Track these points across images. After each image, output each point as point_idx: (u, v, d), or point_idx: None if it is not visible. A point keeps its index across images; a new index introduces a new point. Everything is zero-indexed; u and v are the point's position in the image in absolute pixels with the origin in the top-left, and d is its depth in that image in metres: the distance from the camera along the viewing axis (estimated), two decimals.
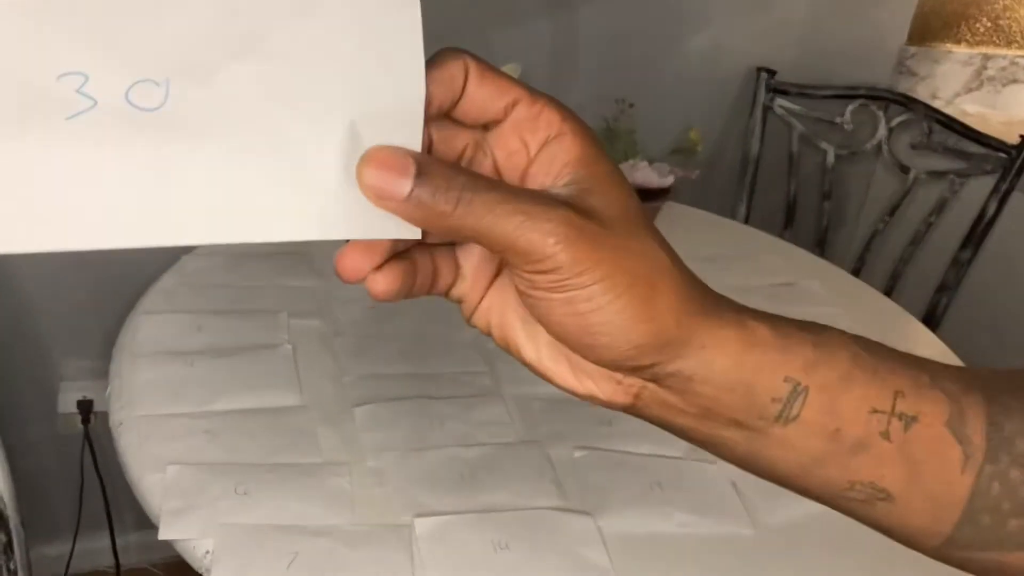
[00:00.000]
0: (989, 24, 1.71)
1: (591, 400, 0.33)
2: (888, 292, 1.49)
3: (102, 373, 0.94)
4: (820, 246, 1.67)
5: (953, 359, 1.06)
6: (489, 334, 0.34)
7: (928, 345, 1.11)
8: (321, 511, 0.74)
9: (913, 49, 1.72)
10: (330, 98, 0.28)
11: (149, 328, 0.97)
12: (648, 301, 0.29)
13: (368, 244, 0.30)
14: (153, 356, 0.92)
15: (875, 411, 0.31)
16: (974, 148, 1.50)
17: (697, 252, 1.49)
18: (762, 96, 1.62)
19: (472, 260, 0.33)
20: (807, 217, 1.70)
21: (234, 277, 1.08)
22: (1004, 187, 1.46)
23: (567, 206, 0.29)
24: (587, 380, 0.32)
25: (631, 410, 0.33)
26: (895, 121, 1.59)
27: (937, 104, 1.63)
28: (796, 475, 0.32)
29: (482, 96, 0.30)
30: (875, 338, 0.32)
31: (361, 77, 0.28)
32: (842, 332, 0.32)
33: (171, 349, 0.93)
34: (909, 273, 1.59)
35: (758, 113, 1.63)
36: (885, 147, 1.61)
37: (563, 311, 0.29)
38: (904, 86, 1.73)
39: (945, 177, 1.53)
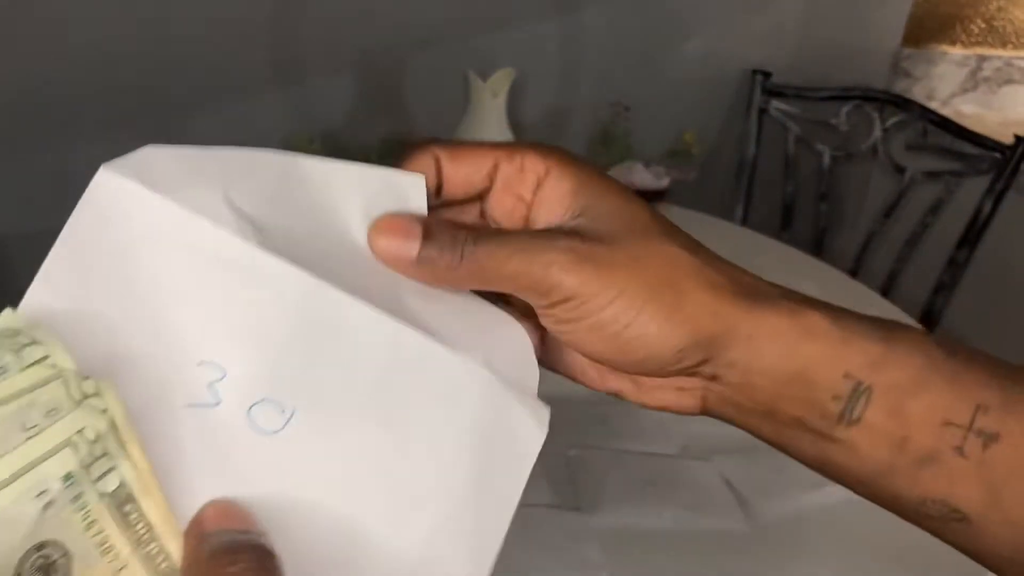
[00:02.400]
0: (984, 25, 1.72)
1: (667, 410, 0.33)
2: (885, 293, 1.50)
3: None
4: (818, 247, 1.67)
5: None
6: (554, 369, 0.34)
7: None
8: None
9: (908, 50, 1.73)
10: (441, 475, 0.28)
11: None
12: (675, 304, 0.29)
13: None
14: None
15: (949, 423, 0.28)
16: (969, 148, 1.51)
17: None
18: (758, 98, 1.63)
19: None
20: (804, 219, 1.71)
21: None
22: (999, 187, 1.46)
23: (573, 235, 0.29)
24: (655, 392, 0.33)
25: (706, 413, 0.32)
26: (890, 122, 1.60)
27: (933, 105, 1.63)
28: (866, 484, 0.30)
29: (462, 173, 0.31)
30: None
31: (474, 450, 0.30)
32: (925, 333, 0.30)
33: None
34: (906, 273, 1.59)
35: (754, 115, 1.64)
36: (881, 148, 1.61)
37: (594, 337, 0.29)
38: (899, 87, 1.74)
39: (941, 177, 1.54)
